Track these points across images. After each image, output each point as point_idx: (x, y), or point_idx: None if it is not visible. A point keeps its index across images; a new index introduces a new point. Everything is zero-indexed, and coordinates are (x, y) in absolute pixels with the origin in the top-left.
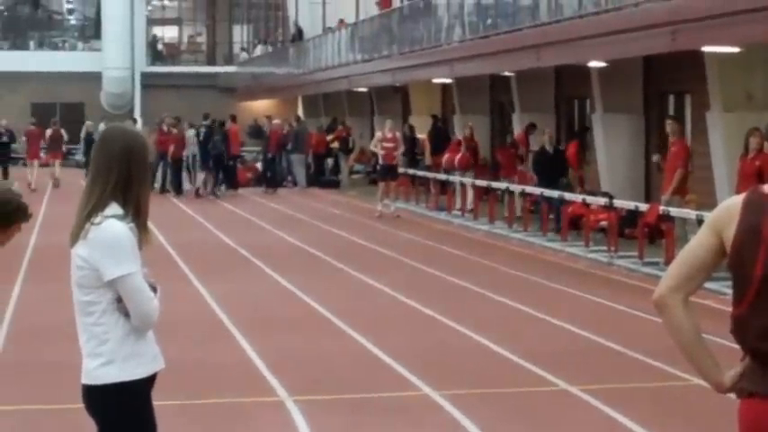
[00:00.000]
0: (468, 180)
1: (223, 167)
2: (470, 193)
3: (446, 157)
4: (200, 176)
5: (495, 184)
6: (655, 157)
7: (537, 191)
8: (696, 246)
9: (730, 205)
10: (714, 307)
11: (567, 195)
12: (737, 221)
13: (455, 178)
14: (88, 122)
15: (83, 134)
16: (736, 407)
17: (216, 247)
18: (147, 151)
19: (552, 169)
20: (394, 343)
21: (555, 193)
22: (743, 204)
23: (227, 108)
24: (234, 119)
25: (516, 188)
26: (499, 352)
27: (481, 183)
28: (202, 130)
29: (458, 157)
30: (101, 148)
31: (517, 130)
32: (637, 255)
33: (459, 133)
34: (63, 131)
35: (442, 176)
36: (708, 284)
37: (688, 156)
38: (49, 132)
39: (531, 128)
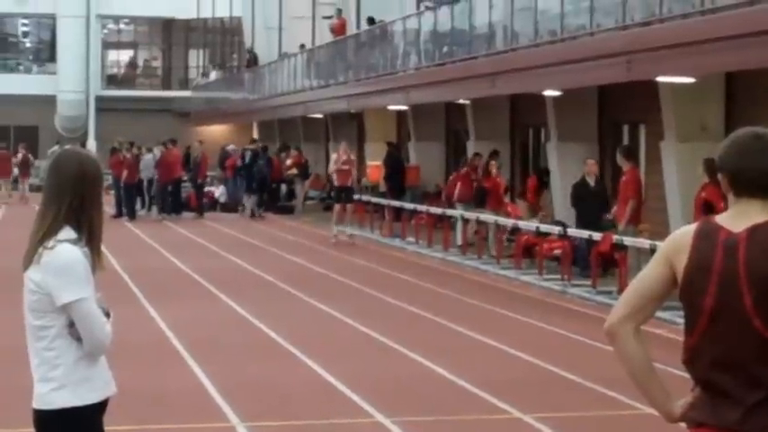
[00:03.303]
0: (471, 214)
1: (268, 190)
2: (471, 228)
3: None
4: (247, 199)
5: (449, 212)
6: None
7: (531, 226)
8: (647, 276)
9: (682, 235)
10: (666, 336)
11: (521, 224)
12: (689, 252)
13: (454, 212)
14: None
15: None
16: None
17: (169, 273)
18: (100, 175)
19: (593, 204)
20: (347, 370)
21: (556, 229)
22: (694, 235)
23: (182, 133)
24: (174, 142)
25: (504, 221)
26: (452, 380)
27: (436, 211)
28: (248, 153)
29: (456, 189)
30: (54, 171)
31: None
32: (590, 284)
33: (414, 160)
34: (30, 155)
35: (396, 203)
36: (660, 314)
37: (639, 186)
38: (19, 156)
39: (494, 155)
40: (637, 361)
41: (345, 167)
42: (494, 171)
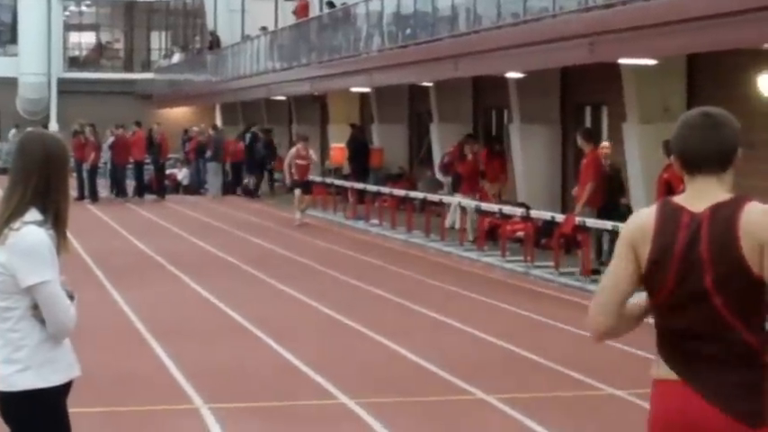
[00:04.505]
0: (472, 203)
1: (268, 171)
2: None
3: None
4: (247, 179)
5: (412, 194)
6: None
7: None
8: (616, 275)
9: (643, 223)
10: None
11: (484, 206)
12: (651, 238)
13: (449, 198)
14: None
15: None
16: (647, 416)
17: (132, 255)
18: (67, 157)
19: (609, 191)
20: (310, 351)
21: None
22: (656, 219)
23: (145, 115)
24: (138, 124)
25: (470, 203)
26: (416, 361)
27: (399, 192)
28: (248, 136)
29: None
30: (20, 153)
31: (436, 140)
32: (553, 265)
33: (377, 142)
34: None
35: (360, 185)
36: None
37: (599, 167)
38: None
39: (468, 138)
40: (631, 325)
41: (303, 162)
42: (469, 155)
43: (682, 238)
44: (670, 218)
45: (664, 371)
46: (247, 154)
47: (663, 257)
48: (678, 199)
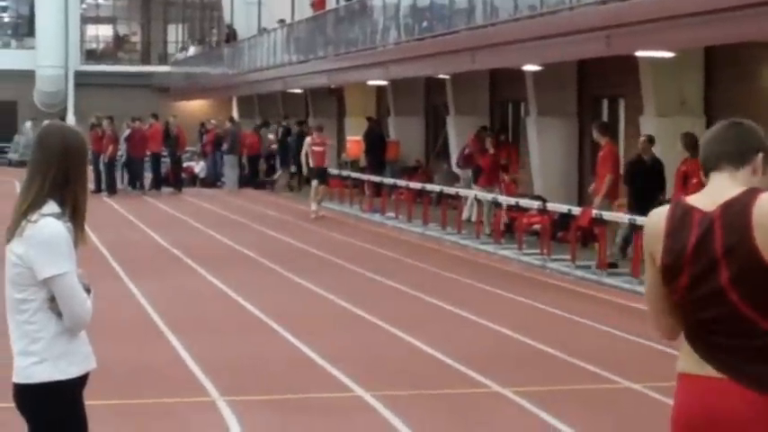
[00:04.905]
0: (488, 195)
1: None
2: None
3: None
4: (283, 172)
5: (428, 187)
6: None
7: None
8: (649, 284)
9: (654, 224)
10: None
11: (500, 198)
12: (663, 239)
13: (465, 191)
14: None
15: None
16: (664, 409)
17: (149, 248)
18: (85, 149)
19: (649, 183)
20: (327, 344)
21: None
22: (667, 220)
23: (161, 108)
24: (155, 117)
25: (504, 200)
26: (432, 354)
27: (415, 185)
28: (281, 129)
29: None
30: (39, 145)
31: (452, 133)
32: (569, 258)
33: (393, 135)
34: None
35: (376, 178)
36: (639, 287)
37: (616, 160)
38: None
39: (482, 130)
40: None
41: (318, 148)
42: (490, 149)
43: (693, 237)
44: (680, 219)
45: (687, 365)
46: (280, 147)
47: (675, 259)
48: (690, 199)
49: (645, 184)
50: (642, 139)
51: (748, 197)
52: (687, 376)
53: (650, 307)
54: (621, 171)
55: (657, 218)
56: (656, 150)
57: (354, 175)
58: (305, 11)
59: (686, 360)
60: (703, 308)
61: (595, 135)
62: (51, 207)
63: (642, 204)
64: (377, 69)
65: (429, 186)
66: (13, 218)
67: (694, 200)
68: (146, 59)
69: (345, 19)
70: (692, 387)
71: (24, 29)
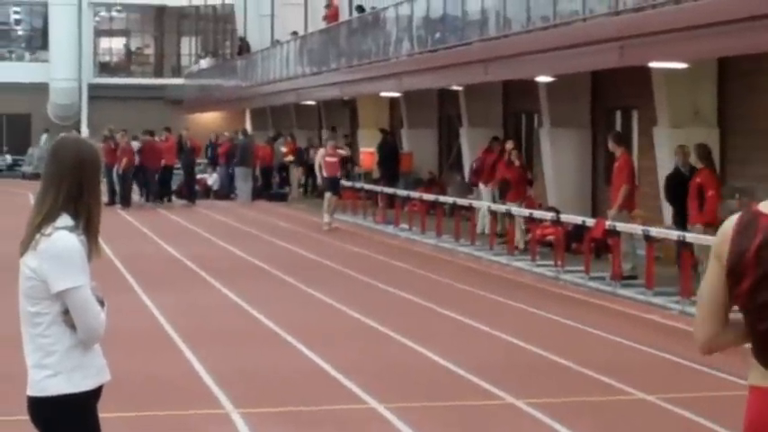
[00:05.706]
0: (517, 211)
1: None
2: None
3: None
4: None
5: (442, 198)
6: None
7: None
8: (709, 284)
9: (725, 228)
10: (659, 322)
11: (514, 209)
12: (729, 243)
13: (479, 203)
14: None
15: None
16: (678, 421)
17: (163, 260)
18: (99, 162)
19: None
20: (341, 356)
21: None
22: (735, 225)
23: (175, 120)
24: (168, 130)
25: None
26: (445, 365)
27: (428, 197)
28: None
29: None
30: (53, 158)
31: (465, 144)
32: (583, 269)
33: (407, 147)
34: None
35: (390, 190)
36: (652, 299)
37: (632, 171)
38: None
39: (494, 141)
40: (736, 339)
41: (332, 159)
42: (516, 161)
43: (757, 241)
44: (747, 224)
45: (755, 377)
46: (298, 159)
47: (738, 263)
48: (761, 205)
49: (685, 197)
50: (677, 148)
51: None
52: (756, 389)
53: (701, 311)
54: (637, 182)
55: (729, 222)
56: (670, 160)
57: (368, 186)
58: (318, 23)
59: (754, 372)
60: (765, 317)
61: (611, 145)
62: (65, 220)
63: (685, 221)
64: (390, 81)
65: (442, 198)
66: (27, 231)
67: (764, 206)
68: (159, 72)
69: (358, 31)
70: (759, 399)
71: (38, 42)
